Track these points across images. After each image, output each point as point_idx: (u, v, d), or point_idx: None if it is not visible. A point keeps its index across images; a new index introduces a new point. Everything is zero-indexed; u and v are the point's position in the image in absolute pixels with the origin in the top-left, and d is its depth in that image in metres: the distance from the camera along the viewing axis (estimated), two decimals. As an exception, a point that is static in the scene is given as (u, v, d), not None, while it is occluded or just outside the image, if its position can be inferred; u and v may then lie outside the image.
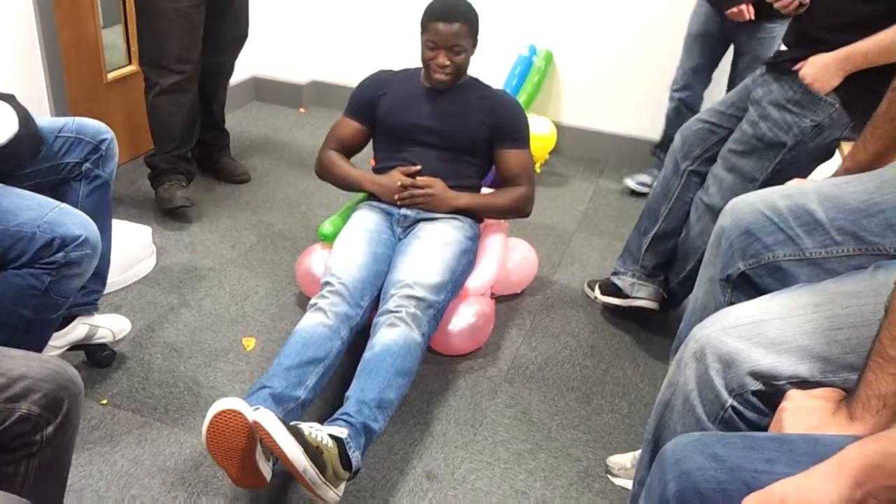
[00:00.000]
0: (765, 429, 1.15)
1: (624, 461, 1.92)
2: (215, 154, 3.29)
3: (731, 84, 3.16)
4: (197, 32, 2.77)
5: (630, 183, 3.51)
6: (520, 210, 2.37)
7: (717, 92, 3.31)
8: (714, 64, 3.20)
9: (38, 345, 1.77)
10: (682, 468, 0.92)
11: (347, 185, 2.39)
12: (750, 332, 1.17)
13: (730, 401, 1.16)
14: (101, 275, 2.01)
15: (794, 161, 2.03)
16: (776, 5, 2.02)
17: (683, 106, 3.27)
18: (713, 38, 3.11)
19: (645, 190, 3.47)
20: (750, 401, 1.15)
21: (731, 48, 3.14)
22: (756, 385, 1.14)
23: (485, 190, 2.43)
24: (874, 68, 1.86)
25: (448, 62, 2.19)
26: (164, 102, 2.83)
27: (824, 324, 1.15)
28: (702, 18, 3.10)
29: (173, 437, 1.92)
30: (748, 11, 2.81)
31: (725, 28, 3.04)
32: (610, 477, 1.91)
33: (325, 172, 2.42)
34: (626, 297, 2.47)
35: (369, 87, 2.39)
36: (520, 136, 2.33)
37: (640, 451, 1.53)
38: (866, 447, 0.80)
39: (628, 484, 1.87)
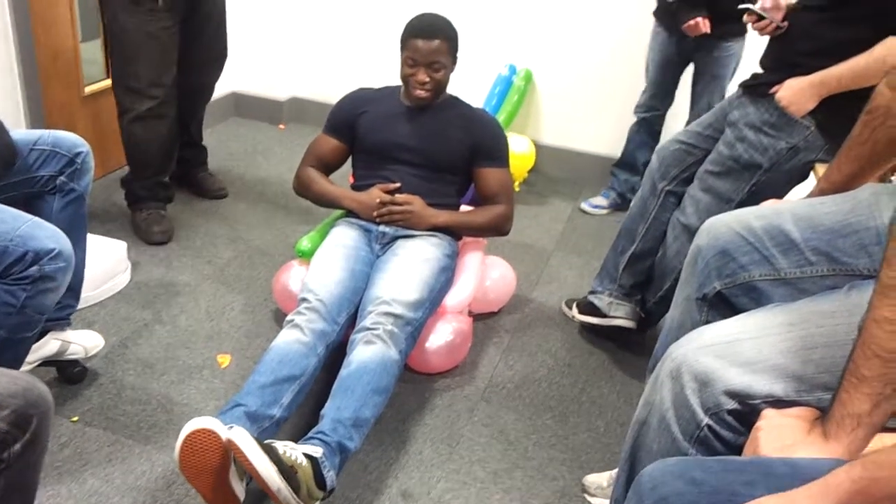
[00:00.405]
0: (741, 448, 1.15)
1: (600, 480, 1.91)
2: (193, 170, 3.26)
3: (694, 104, 3.21)
4: (169, 56, 2.72)
5: (586, 207, 3.55)
6: (498, 228, 2.37)
7: (679, 112, 3.34)
8: (675, 85, 3.25)
9: (12, 366, 1.73)
10: (659, 494, 0.91)
11: (326, 201, 2.39)
12: (725, 352, 1.18)
13: (706, 420, 1.16)
14: (74, 289, 1.99)
15: (770, 183, 2.05)
16: (752, 27, 2.05)
17: (646, 124, 3.34)
18: (672, 63, 3.18)
19: (601, 212, 3.52)
20: (726, 420, 1.16)
21: (691, 68, 3.19)
22: (732, 404, 1.15)
23: (464, 208, 2.44)
24: (848, 92, 1.89)
25: (427, 79, 2.19)
26: (139, 129, 2.78)
27: (799, 343, 1.16)
28: (658, 45, 3.16)
29: (145, 456, 1.89)
30: (703, 25, 2.85)
31: (683, 49, 3.09)
32: (586, 496, 1.90)
33: (303, 189, 2.41)
34: (603, 316, 2.47)
35: (349, 105, 2.38)
36: (499, 155, 2.34)
37: (616, 471, 1.52)
38: (853, 472, 0.79)
39: (605, 503, 1.86)
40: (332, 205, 2.39)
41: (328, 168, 2.43)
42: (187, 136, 3.15)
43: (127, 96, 2.74)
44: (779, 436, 1.04)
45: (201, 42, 2.91)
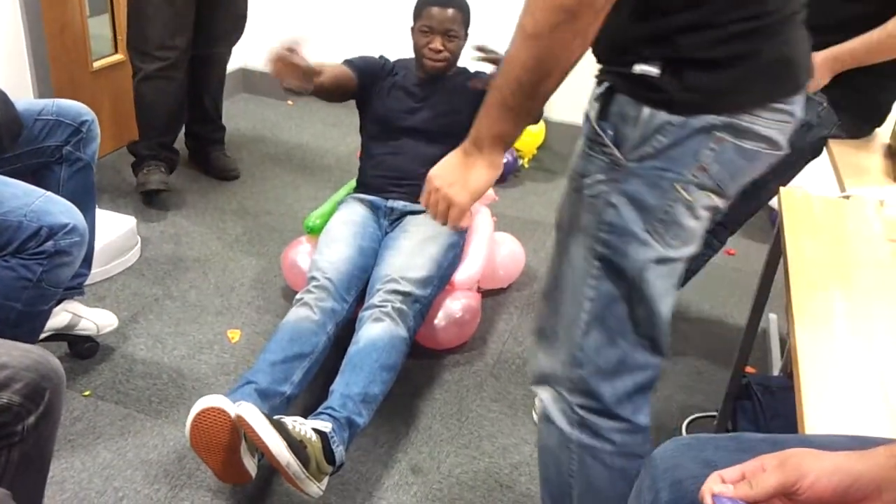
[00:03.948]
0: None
1: None
2: (207, 147, 3.25)
3: None
4: (181, 19, 2.75)
5: None
6: None
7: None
8: None
9: (30, 340, 1.75)
10: (674, 476, 0.90)
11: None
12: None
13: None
14: (86, 258, 1.99)
15: (783, 159, 2.02)
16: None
17: None
18: None
19: None
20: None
21: None
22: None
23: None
24: (861, 68, 1.87)
25: (442, 47, 2.17)
26: (147, 89, 2.82)
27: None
28: None
29: (157, 430, 1.91)
30: None
31: None
32: None
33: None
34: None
35: (380, 62, 2.33)
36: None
37: None
38: (892, 447, 0.77)
39: None
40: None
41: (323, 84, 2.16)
42: (201, 109, 3.15)
43: (137, 58, 2.79)
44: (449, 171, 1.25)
45: (220, 10, 2.92)
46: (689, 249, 1.24)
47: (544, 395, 1.33)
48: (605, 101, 1.21)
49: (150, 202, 2.93)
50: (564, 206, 1.28)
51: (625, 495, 1.19)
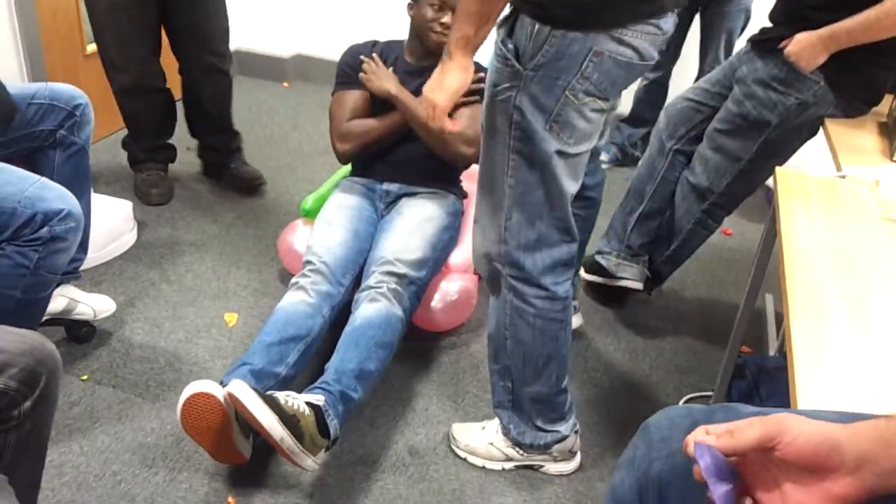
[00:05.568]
0: None
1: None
2: (224, 159, 3.02)
3: (703, 60, 3.16)
4: (140, 28, 2.61)
5: None
6: (449, 148, 2.20)
7: (687, 68, 3.30)
8: (682, 40, 3.19)
9: (30, 327, 1.74)
10: (669, 448, 0.90)
11: (387, 134, 2.23)
12: None
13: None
14: (82, 243, 1.98)
15: (779, 139, 2.03)
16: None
17: (654, 84, 3.28)
18: (682, 17, 3.11)
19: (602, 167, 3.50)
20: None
21: (697, 23, 3.14)
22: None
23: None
24: (858, 46, 1.86)
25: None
26: (130, 102, 2.75)
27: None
28: None
29: (154, 413, 1.91)
30: None
31: (695, 1, 3.04)
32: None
33: (356, 143, 2.25)
34: (610, 276, 2.46)
35: (358, 54, 2.29)
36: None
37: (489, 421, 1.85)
38: (878, 421, 0.76)
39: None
40: (392, 130, 2.24)
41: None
42: (210, 122, 2.97)
43: (106, 67, 2.71)
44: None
45: (203, 12, 2.75)
46: (585, 146, 1.52)
47: (485, 271, 1.68)
48: (511, 21, 1.45)
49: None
50: (485, 112, 1.53)
51: (544, 352, 1.68)
